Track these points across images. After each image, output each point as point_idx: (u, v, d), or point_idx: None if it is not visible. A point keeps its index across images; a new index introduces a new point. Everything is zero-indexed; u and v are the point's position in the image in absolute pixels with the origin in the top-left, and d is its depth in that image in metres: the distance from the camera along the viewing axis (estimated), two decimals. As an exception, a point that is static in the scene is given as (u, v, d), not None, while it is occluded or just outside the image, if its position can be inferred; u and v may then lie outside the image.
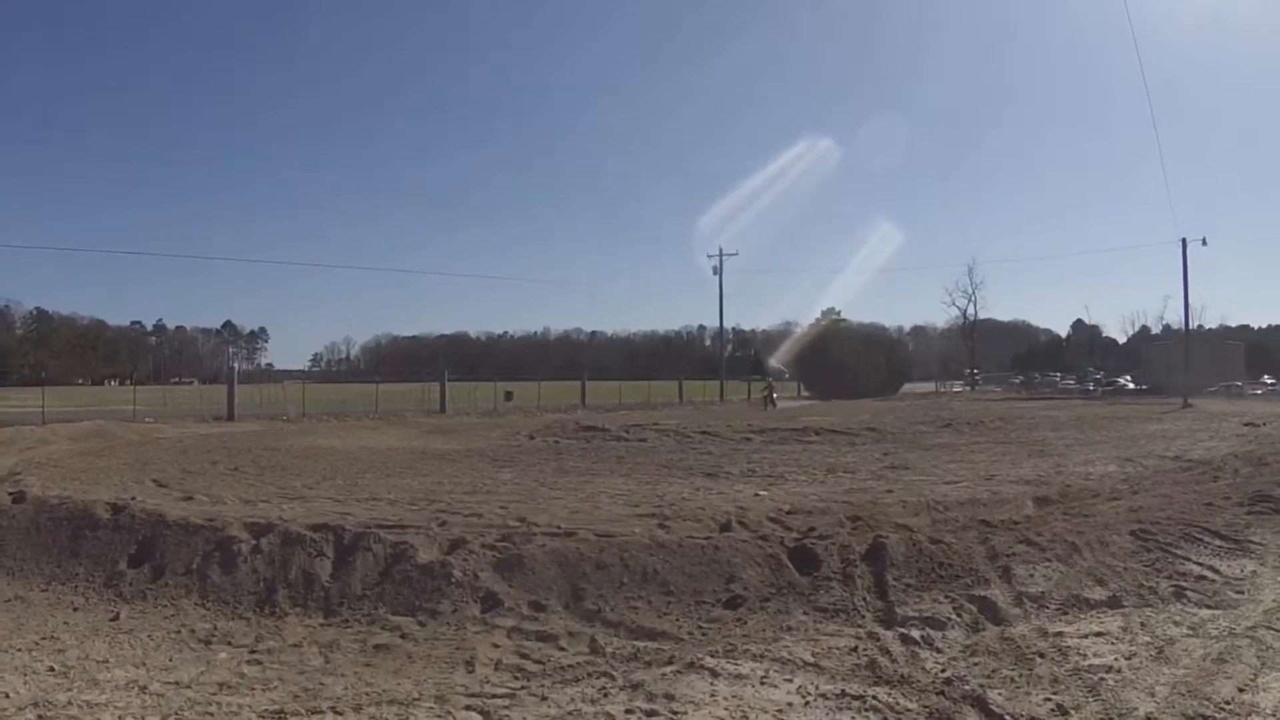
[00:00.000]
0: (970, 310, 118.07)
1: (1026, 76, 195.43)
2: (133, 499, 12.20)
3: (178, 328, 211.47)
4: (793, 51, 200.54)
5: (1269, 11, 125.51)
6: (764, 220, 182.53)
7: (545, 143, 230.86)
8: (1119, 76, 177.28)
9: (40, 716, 6.08)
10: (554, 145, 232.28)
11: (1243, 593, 8.19)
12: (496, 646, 7.10)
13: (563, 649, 6.95)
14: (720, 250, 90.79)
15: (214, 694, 6.46)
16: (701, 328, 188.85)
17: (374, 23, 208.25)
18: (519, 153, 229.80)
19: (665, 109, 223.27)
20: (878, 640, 6.64)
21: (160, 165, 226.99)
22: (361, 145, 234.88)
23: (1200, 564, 8.97)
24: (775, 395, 62.15)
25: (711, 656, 6.37)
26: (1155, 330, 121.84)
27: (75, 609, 9.00)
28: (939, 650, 6.50)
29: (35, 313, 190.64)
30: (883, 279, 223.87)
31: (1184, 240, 69.14)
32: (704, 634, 7.05)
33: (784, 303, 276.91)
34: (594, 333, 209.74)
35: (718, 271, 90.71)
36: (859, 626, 6.99)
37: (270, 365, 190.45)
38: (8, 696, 6.39)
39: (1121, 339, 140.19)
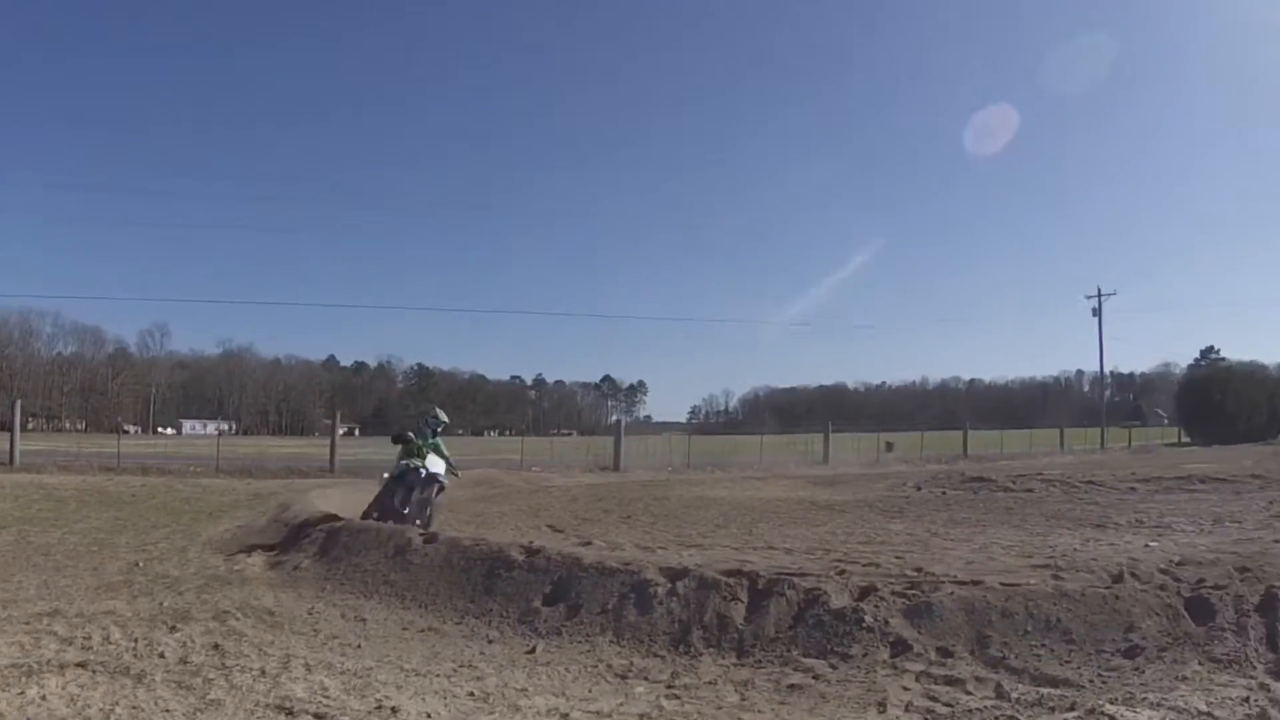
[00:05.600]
0: None
1: None
2: (530, 543, 12.90)
3: (556, 382, 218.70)
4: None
5: None
6: (1142, 256, 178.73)
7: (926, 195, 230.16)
8: None
9: (464, 738, 6.58)
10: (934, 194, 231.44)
11: None
12: (906, 689, 7.38)
13: (969, 693, 7.19)
14: (1099, 291, 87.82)
15: (635, 723, 6.83)
16: (1079, 373, 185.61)
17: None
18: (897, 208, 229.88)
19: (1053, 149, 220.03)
20: (1268, 691, 6.68)
21: (537, 231, 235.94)
22: (733, 204, 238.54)
23: None
24: (443, 469, 18.27)
25: (1111, 704, 6.46)
26: None
27: (490, 641, 9.76)
28: (1335, 704, 6.52)
29: (416, 368, 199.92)
30: (1261, 314, 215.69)
31: None
32: (1104, 682, 7.19)
33: (1164, 342, 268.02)
34: (971, 381, 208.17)
35: (1096, 313, 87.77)
36: (1250, 677, 7.01)
37: (649, 417, 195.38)
38: (429, 717, 6.95)
39: None
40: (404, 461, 17.61)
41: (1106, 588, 9.06)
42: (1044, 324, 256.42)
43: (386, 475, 18.64)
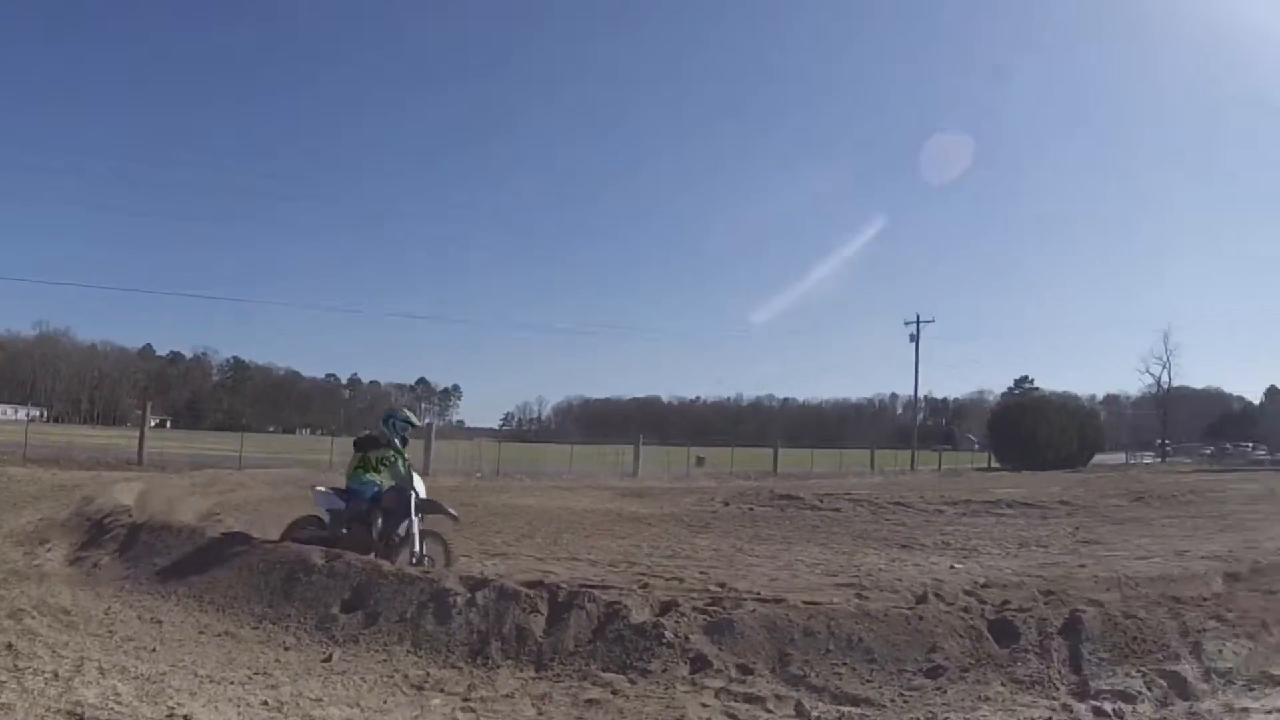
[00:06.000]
0: (1164, 378, 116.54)
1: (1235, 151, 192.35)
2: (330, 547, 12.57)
3: (371, 382, 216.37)
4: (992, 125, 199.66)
5: None
6: (962, 286, 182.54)
7: (741, 210, 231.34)
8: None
9: (256, 748, 6.33)
10: (750, 212, 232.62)
11: None
12: (705, 706, 7.25)
13: (770, 711, 7.10)
14: (918, 317, 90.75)
15: (428, 737, 6.65)
16: (893, 396, 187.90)
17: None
18: (716, 219, 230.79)
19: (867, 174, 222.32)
20: (1071, 712, 6.78)
21: (358, 229, 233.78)
22: (552, 213, 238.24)
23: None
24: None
25: None
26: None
27: (287, 648, 9.32)
28: (1129, 724, 6.56)
29: (232, 361, 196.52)
30: (1077, 346, 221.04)
31: None
32: (905, 701, 7.17)
33: (979, 370, 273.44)
34: (786, 399, 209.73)
35: (914, 339, 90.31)
36: (1053, 699, 7.09)
37: (461, 421, 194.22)
38: (222, 726, 6.57)
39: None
40: (370, 477, 12.97)
41: (910, 608, 9.17)
42: (862, 347, 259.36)
43: (324, 490, 13.36)
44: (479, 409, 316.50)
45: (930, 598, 10.31)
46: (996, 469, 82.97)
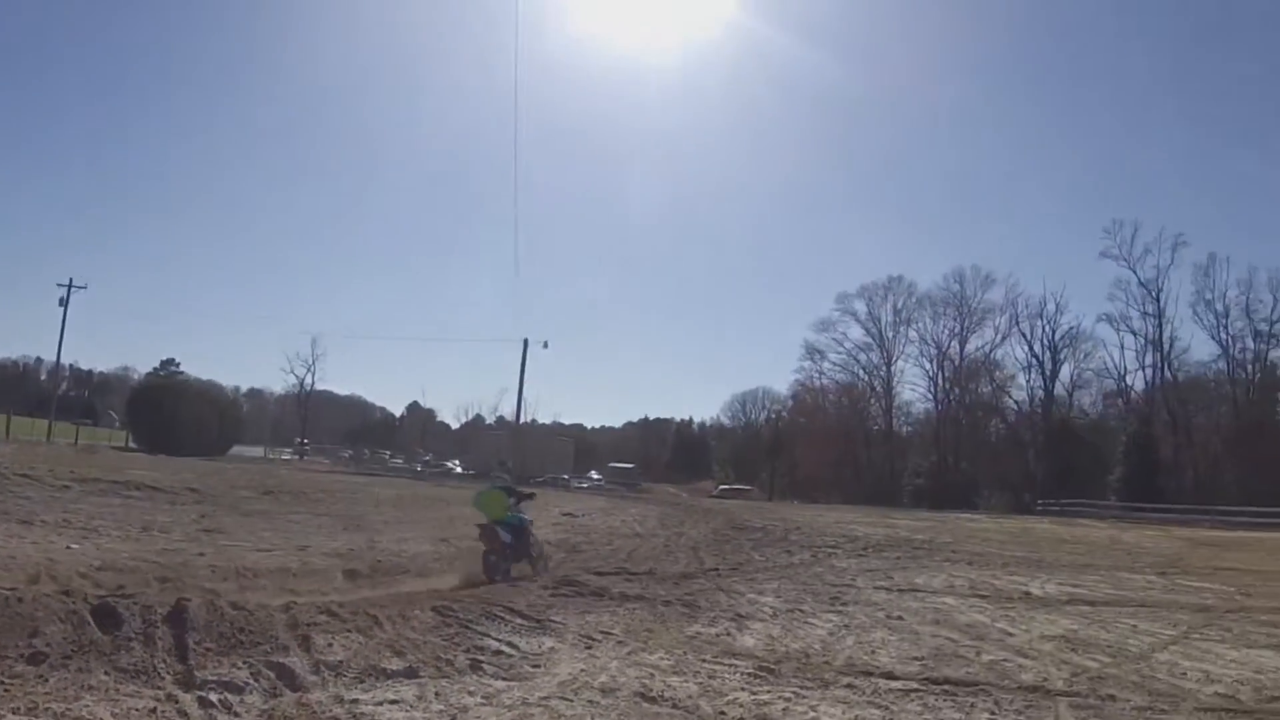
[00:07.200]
0: (308, 380, 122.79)
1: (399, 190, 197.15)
2: None
3: None
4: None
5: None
6: (119, 254, 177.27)
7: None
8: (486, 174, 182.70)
9: None
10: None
11: (539, 666, 8.98)
12: None
13: None
14: (70, 281, 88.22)
15: None
16: (39, 360, 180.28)
17: None
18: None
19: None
20: (176, 703, 6.81)
21: None
22: None
23: (499, 640, 9.84)
24: None
25: (14, 714, 6.31)
26: (490, 420, 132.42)
27: None
28: (237, 714, 6.79)
29: None
30: (226, 336, 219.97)
31: (525, 340, 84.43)
32: (7, 690, 6.85)
33: (131, 346, 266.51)
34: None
35: (64, 303, 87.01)
36: (159, 689, 7.10)
37: None
38: None
39: (455, 425, 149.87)
40: (521, 514, 17.79)
41: (11, 589, 8.86)
42: (9, 302, 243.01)
43: (501, 527, 16.93)
44: None
45: (43, 578, 10.24)
46: (134, 449, 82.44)
